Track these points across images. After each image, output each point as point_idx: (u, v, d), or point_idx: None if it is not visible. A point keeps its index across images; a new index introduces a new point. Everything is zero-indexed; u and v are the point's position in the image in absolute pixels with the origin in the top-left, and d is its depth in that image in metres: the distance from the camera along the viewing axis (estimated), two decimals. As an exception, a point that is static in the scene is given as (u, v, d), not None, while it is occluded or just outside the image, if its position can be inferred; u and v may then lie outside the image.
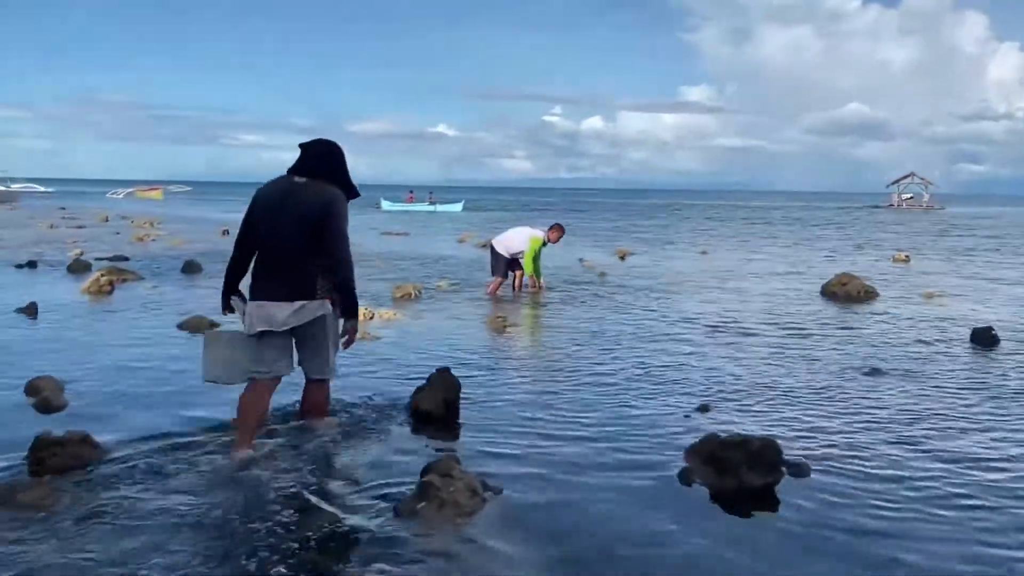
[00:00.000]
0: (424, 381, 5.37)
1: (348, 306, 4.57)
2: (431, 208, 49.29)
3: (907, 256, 18.12)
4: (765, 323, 9.06)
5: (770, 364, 6.94)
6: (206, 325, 8.15)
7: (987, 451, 4.71)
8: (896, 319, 9.57)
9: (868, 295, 11.53)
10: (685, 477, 4.25)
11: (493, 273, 11.60)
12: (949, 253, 21.30)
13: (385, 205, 49.77)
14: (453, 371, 5.40)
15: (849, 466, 4.40)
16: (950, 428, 5.15)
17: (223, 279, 4.68)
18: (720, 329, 8.59)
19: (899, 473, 4.32)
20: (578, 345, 7.64)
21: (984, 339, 8.04)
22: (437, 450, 4.60)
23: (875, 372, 6.72)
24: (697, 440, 4.48)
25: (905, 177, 69.44)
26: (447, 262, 16.08)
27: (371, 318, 8.96)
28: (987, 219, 51.49)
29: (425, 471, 3.89)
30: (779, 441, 4.29)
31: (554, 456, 4.52)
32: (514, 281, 11.66)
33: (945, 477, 4.28)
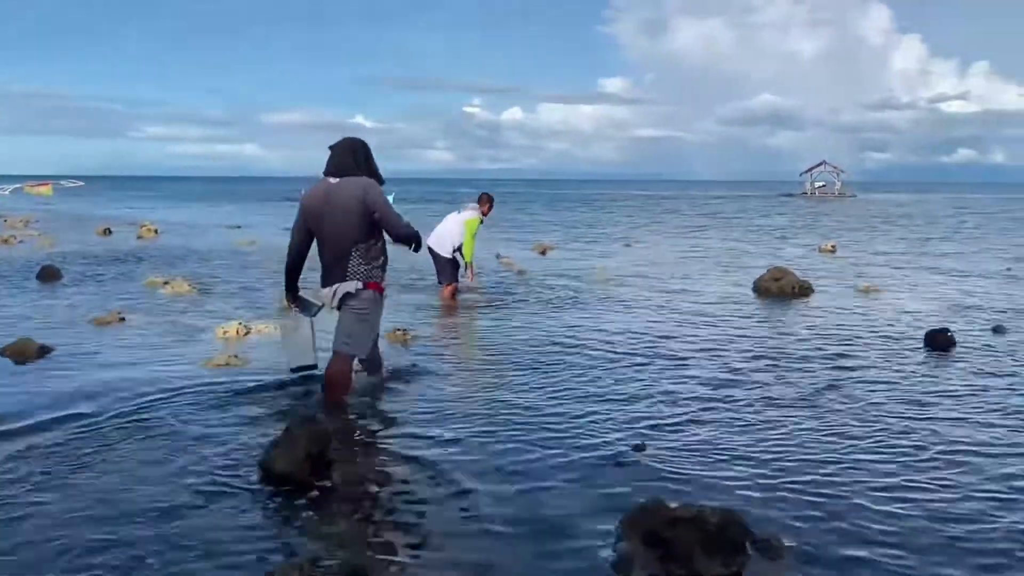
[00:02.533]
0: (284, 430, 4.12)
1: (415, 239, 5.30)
2: None
3: (833, 246, 17.62)
4: (700, 331, 8.06)
5: (710, 383, 5.90)
6: (34, 351, 6.67)
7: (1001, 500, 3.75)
8: (838, 319, 8.74)
9: (803, 291, 10.74)
10: (623, 566, 3.13)
11: (440, 280, 10.24)
12: (870, 241, 21.03)
13: None
14: (328, 413, 4.19)
15: (828, 537, 3.37)
16: (948, 465, 4.19)
17: (284, 277, 5.57)
18: (651, 341, 7.51)
19: (896, 550, 3.30)
20: (490, 367, 6.47)
21: (939, 342, 7.23)
22: (286, 543, 3.36)
23: (832, 388, 5.78)
24: (636, 507, 3.38)
25: (817, 166, 70.81)
26: (351, 261, 14.68)
27: (247, 333, 7.60)
28: (896, 205, 52.71)
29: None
30: (740, 508, 3.24)
31: (454, 533, 3.36)
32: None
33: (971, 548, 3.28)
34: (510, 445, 4.50)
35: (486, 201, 10.48)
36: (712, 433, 4.71)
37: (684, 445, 4.50)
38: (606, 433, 4.68)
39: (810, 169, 70.96)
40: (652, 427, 4.81)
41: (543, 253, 16.75)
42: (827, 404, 5.35)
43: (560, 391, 5.63)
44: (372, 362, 5.68)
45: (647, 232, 24.81)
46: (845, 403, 5.38)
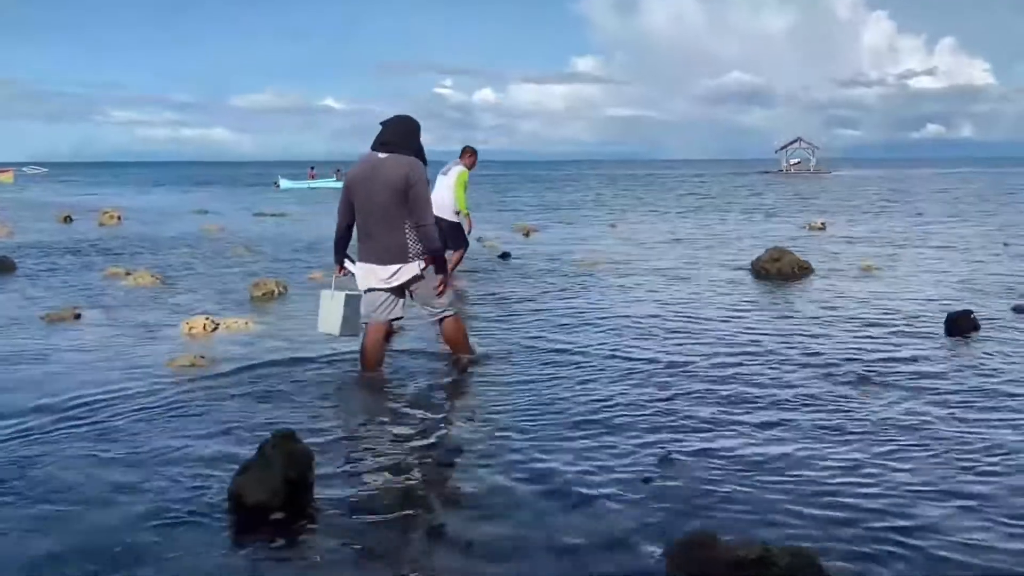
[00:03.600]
0: (254, 451, 3.51)
1: (439, 261, 5.31)
2: (337, 184, 45.85)
3: (823, 224, 17.19)
4: (706, 320, 7.50)
5: (727, 380, 5.35)
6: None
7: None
8: (846, 302, 8.24)
9: (803, 271, 10.27)
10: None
11: (449, 247, 9.78)
12: (857, 218, 20.68)
13: (284, 184, 46.04)
14: (307, 429, 3.58)
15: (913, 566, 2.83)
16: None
17: (333, 246, 5.58)
18: (656, 332, 6.93)
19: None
20: (483, 366, 5.84)
21: (962, 326, 6.75)
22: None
23: (861, 381, 5.25)
24: (683, 541, 2.82)
25: (792, 143, 70.69)
26: (325, 247, 13.90)
27: (214, 329, 6.94)
28: (873, 181, 52.67)
29: None
30: (794, 535, 2.69)
31: (455, 571, 2.80)
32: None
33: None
34: (518, 459, 3.92)
35: (469, 154, 10.35)
36: (740, 439, 4.16)
37: (712, 454, 3.94)
38: (626, 442, 4.11)
39: (785, 146, 70.83)
40: (673, 432, 4.25)
41: (527, 235, 16.15)
42: (861, 403, 4.81)
43: (568, 394, 5.03)
44: (390, 328, 5.77)
45: (630, 212, 24.28)
46: (881, 402, 4.84)
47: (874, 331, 6.80)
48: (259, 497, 3.32)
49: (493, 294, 9.02)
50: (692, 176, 68.96)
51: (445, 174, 10.11)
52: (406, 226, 5.15)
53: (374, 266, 5.25)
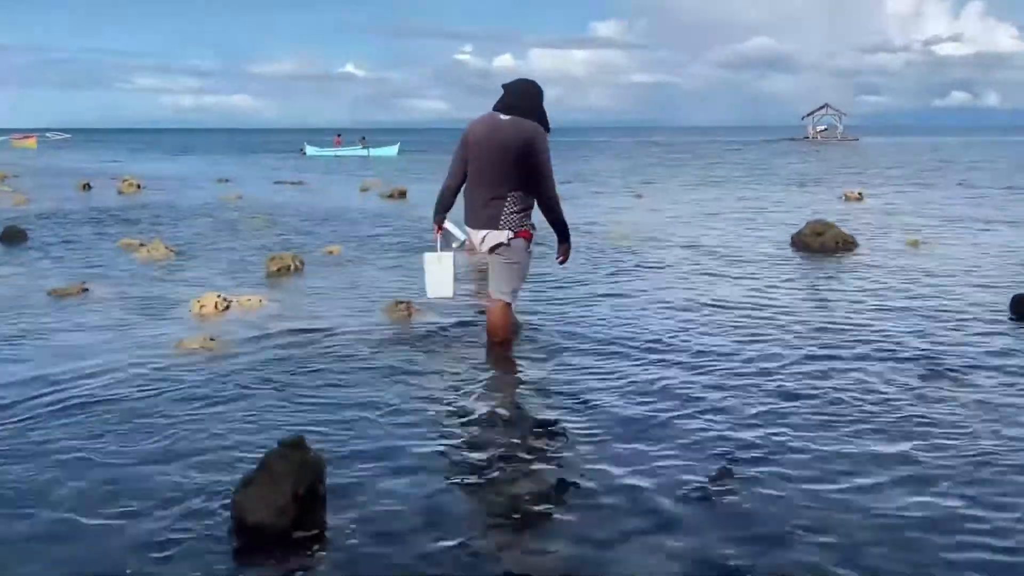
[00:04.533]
0: (258, 462, 3.10)
1: (561, 232, 5.20)
2: (364, 152, 45.52)
3: (860, 193, 16.51)
4: (748, 301, 6.98)
5: (782, 375, 4.86)
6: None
7: None
8: (898, 281, 7.70)
9: (848, 245, 9.71)
10: None
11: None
12: (893, 187, 19.94)
13: (310, 151, 45.82)
14: (319, 428, 3.15)
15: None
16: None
17: (436, 203, 5.30)
18: (696, 317, 6.44)
19: None
20: (518, 360, 5.36)
21: (1032, 309, 6.22)
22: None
23: (934, 375, 4.75)
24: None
25: (819, 109, 69.01)
26: (345, 218, 13.52)
27: (226, 308, 6.54)
28: (901, 148, 51.43)
29: None
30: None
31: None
32: None
33: None
34: (557, 469, 3.49)
35: None
36: (809, 446, 3.69)
37: (777, 468, 3.47)
38: (676, 453, 3.65)
39: (812, 112, 69.17)
40: (729, 441, 3.78)
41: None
42: (943, 405, 4.31)
43: (613, 390, 4.57)
44: None
45: (654, 181, 23.62)
46: (968, 407, 4.34)
47: (935, 315, 6.27)
48: (262, 516, 2.91)
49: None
50: (716, 142, 67.74)
51: None
52: (509, 194, 4.91)
53: (471, 229, 5.11)
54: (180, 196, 17.86)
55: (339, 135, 51.88)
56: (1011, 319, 6.15)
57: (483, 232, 5.01)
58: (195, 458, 3.54)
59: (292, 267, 8.29)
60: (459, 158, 5.11)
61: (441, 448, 3.70)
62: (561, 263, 5.37)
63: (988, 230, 11.41)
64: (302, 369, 4.88)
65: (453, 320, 6.07)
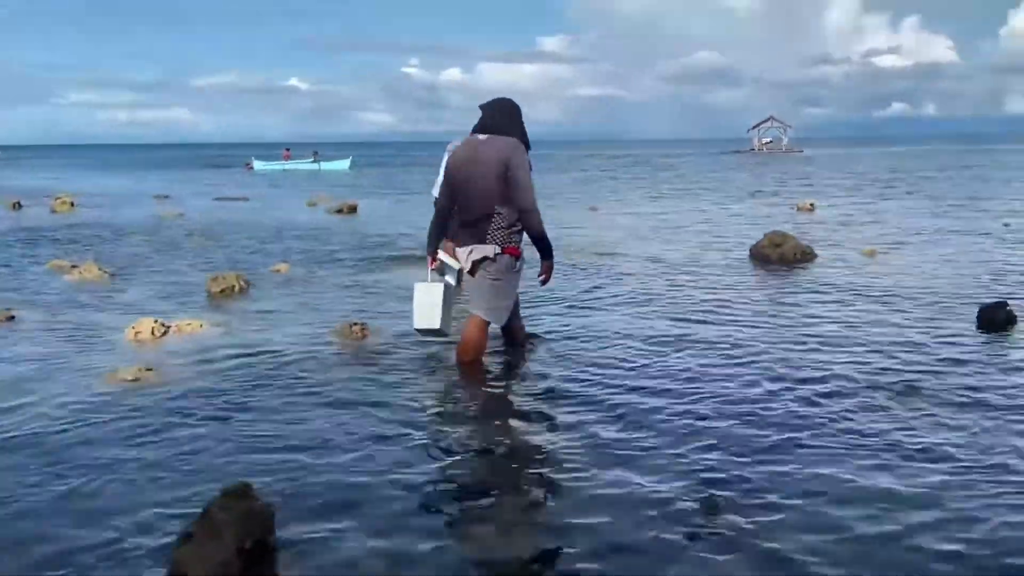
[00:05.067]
0: (199, 513, 2.74)
1: (543, 249, 5.11)
2: (315, 166, 44.68)
3: (811, 204, 16.61)
4: (711, 314, 6.82)
5: (754, 391, 4.66)
6: None
7: None
8: (860, 294, 7.60)
9: (806, 256, 9.64)
10: None
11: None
12: (843, 197, 20.17)
13: (258, 165, 44.85)
14: (268, 468, 2.79)
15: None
16: None
17: (428, 234, 5.24)
18: (664, 334, 6.22)
19: None
20: (480, 381, 5.06)
21: (999, 321, 6.13)
22: None
23: (907, 394, 4.58)
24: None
25: (764, 121, 70.31)
26: (292, 235, 13.06)
27: (164, 334, 6.10)
28: (845, 159, 52.54)
29: None
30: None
31: None
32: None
33: None
34: (527, 509, 3.20)
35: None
36: (795, 473, 3.47)
37: (765, 494, 3.24)
38: (657, 479, 3.39)
39: (758, 124, 70.43)
40: (714, 464, 3.54)
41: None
42: (920, 426, 4.14)
43: (575, 418, 4.30)
44: (510, 332, 5.43)
45: (608, 195, 23.56)
46: (947, 427, 4.17)
47: (902, 329, 6.14)
48: (203, 573, 2.57)
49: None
50: (665, 155, 68.45)
51: (448, 153, 9.17)
52: (496, 211, 4.92)
53: (461, 249, 5.08)
54: (117, 214, 17.14)
55: (288, 149, 51.03)
56: (977, 331, 6.06)
57: (469, 247, 4.99)
58: (126, 507, 3.16)
59: (236, 288, 7.86)
60: (445, 186, 5.18)
61: (403, 491, 3.36)
62: (543, 282, 5.26)
63: (943, 240, 11.47)
64: (248, 401, 4.51)
65: (411, 340, 5.74)
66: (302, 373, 5.04)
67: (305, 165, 44.89)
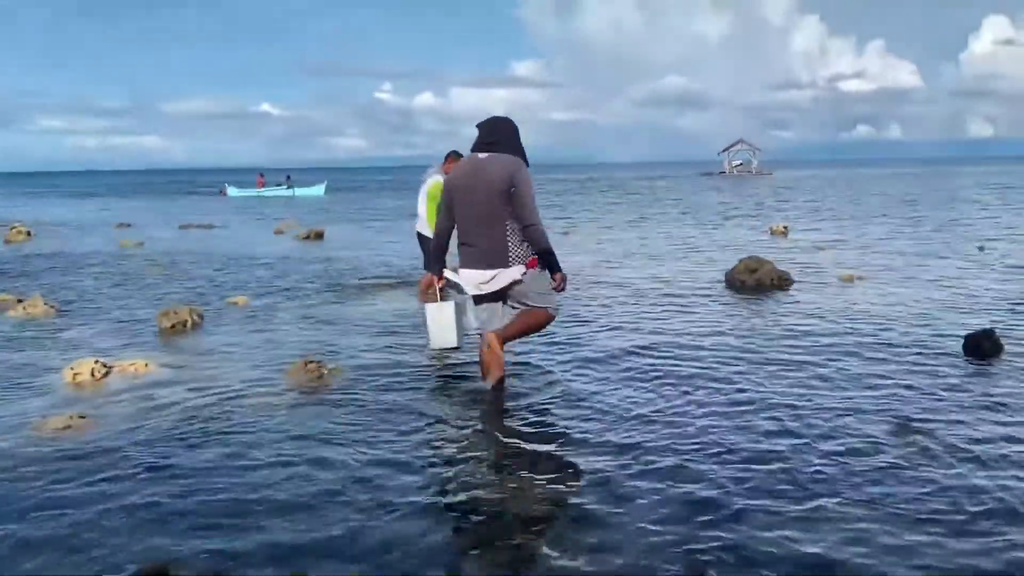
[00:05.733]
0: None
1: (550, 264, 5.04)
2: (288, 192, 44.18)
3: (785, 228, 16.47)
4: (688, 346, 6.53)
5: (738, 432, 4.35)
6: None
7: None
8: (840, 318, 7.36)
9: (783, 282, 9.40)
10: None
11: (426, 267, 8.53)
12: (817, 221, 20.09)
13: (232, 192, 44.36)
14: (206, 535, 2.41)
15: None
16: None
17: (432, 255, 5.36)
18: (637, 363, 5.93)
19: None
20: (444, 424, 4.70)
21: (985, 349, 5.90)
22: None
23: (902, 428, 4.30)
24: None
25: (734, 144, 70.96)
26: (254, 263, 12.63)
27: (105, 375, 5.67)
28: (814, 181, 53.03)
29: None
30: None
31: None
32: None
33: None
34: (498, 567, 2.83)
35: (452, 160, 8.41)
36: (777, 506, 3.14)
37: (755, 554, 2.91)
38: (637, 533, 3.04)
39: (728, 148, 71.05)
40: (703, 521, 3.21)
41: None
42: (920, 461, 3.85)
43: (547, 463, 3.96)
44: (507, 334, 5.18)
45: (581, 218, 23.36)
46: (945, 460, 3.89)
47: (888, 358, 5.89)
48: None
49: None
50: (635, 179, 68.69)
51: (422, 183, 8.79)
52: (508, 229, 4.92)
53: (472, 271, 5.03)
54: (74, 244, 16.56)
55: (262, 175, 50.50)
56: (965, 360, 5.82)
57: (492, 272, 4.94)
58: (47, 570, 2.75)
59: (189, 323, 7.43)
60: (446, 207, 5.12)
61: (352, 561, 2.98)
62: (559, 290, 5.14)
63: (920, 264, 11.29)
64: (185, 454, 4.10)
65: (370, 378, 5.38)
66: (249, 420, 4.64)
67: (279, 191, 44.47)
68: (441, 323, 5.35)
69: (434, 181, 8.47)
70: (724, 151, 71.24)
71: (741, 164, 69.89)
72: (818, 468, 3.77)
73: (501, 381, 5.08)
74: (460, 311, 5.36)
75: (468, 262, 5.05)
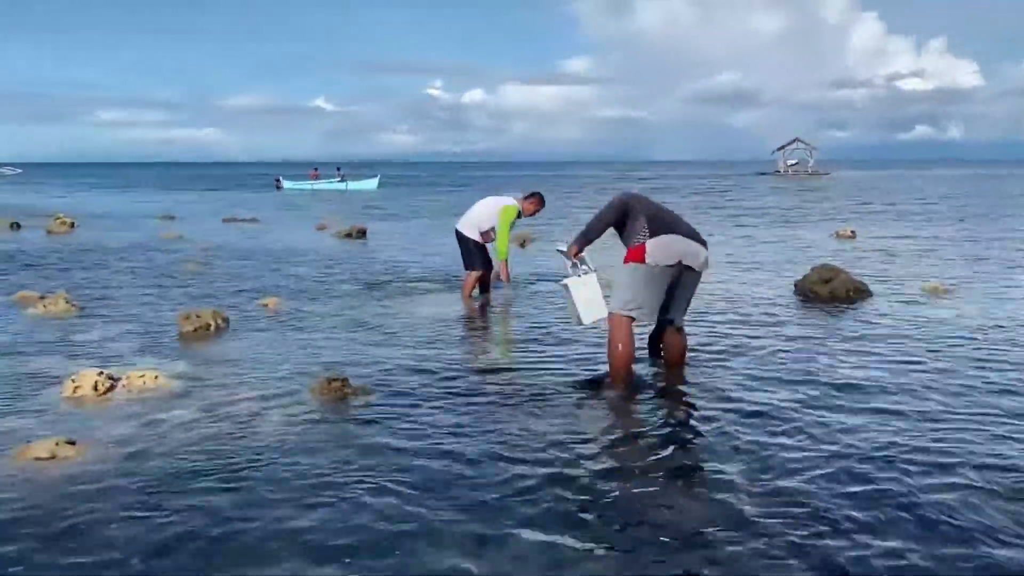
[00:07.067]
0: None
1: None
2: (341, 186, 44.11)
3: (852, 231, 15.44)
4: (770, 366, 5.76)
5: (816, 458, 3.58)
6: None
7: None
8: (932, 339, 6.48)
9: (860, 294, 8.52)
10: None
11: (467, 267, 8.68)
12: (883, 223, 18.95)
13: (287, 185, 44.50)
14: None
15: None
16: None
17: (584, 231, 5.52)
18: (710, 384, 5.20)
19: None
20: (496, 451, 4.04)
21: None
22: None
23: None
24: None
25: (790, 143, 68.92)
26: (292, 261, 12.09)
27: (109, 388, 5.11)
28: (874, 181, 51.16)
29: None
30: None
31: None
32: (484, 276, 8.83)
33: None
34: None
35: (536, 201, 8.73)
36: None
37: None
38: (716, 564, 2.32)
39: (783, 146, 69.05)
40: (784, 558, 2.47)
41: (522, 245, 14.25)
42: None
43: (612, 460, 3.25)
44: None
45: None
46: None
47: (989, 387, 5.04)
48: None
49: (485, 325, 7.22)
50: (686, 177, 67.24)
51: (496, 196, 8.89)
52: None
53: (697, 244, 5.22)
54: (113, 236, 16.25)
55: (316, 168, 50.55)
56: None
57: (705, 252, 5.25)
58: None
59: (212, 326, 6.88)
60: (618, 207, 5.42)
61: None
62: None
63: (1006, 276, 10.24)
64: (181, 490, 3.49)
65: (394, 397, 4.74)
66: (261, 446, 4.03)
67: (332, 184, 44.43)
68: (587, 296, 5.40)
69: (509, 204, 8.60)
70: (779, 150, 69.26)
71: (796, 163, 67.87)
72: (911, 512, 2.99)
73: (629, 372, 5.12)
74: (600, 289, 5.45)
75: (695, 236, 5.28)
